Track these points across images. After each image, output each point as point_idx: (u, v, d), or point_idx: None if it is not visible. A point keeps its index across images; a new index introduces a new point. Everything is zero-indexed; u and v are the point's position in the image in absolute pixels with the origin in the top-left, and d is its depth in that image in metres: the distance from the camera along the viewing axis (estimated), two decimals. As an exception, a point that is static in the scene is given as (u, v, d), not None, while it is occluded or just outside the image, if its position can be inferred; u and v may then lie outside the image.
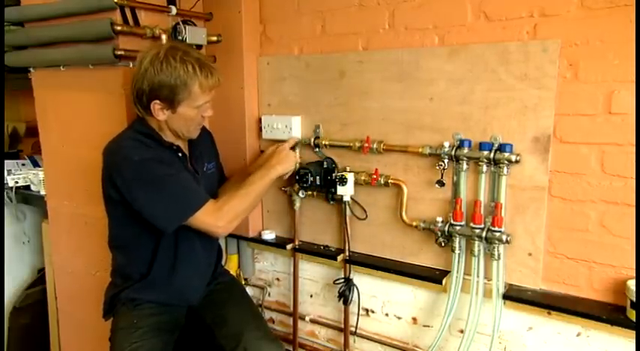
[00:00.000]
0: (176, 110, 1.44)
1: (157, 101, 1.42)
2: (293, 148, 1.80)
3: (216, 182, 1.75)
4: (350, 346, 1.90)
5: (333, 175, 1.73)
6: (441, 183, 1.56)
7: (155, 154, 1.45)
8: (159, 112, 1.43)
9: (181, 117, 1.46)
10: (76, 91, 1.88)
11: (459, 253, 1.56)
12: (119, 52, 1.63)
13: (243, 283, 2.14)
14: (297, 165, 1.73)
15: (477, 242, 1.51)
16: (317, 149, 1.82)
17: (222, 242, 2.08)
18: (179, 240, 1.53)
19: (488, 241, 1.49)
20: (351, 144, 1.72)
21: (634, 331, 1.32)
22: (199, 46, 1.85)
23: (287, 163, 1.66)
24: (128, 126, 1.57)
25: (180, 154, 1.53)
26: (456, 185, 1.55)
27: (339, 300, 1.83)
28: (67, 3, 1.72)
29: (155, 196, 1.41)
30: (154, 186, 1.41)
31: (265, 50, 1.94)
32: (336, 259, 1.81)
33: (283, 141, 1.88)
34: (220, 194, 1.73)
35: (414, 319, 1.77)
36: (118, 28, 1.62)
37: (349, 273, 1.82)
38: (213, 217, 1.44)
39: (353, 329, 1.88)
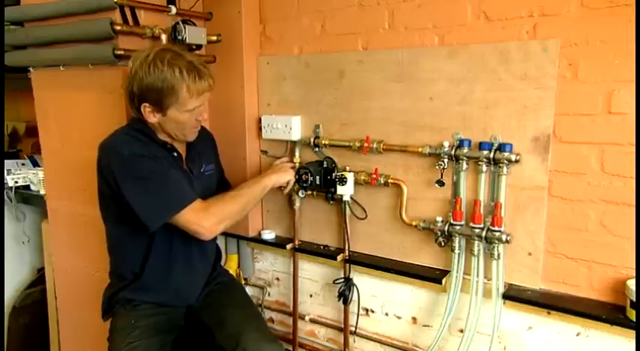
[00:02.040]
0: (166, 114, 1.43)
1: (147, 104, 1.41)
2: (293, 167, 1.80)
3: (215, 184, 1.73)
4: (350, 345, 1.90)
5: (333, 174, 1.73)
6: (440, 183, 1.56)
7: (147, 150, 1.44)
8: (149, 114, 1.43)
9: (172, 120, 1.45)
10: (75, 91, 1.88)
11: (458, 253, 1.56)
12: (119, 52, 1.63)
13: (243, 282, 2.14)
14: (293, 181, 1.73)
15: (476, 242, 1.51)
16: (317, 149, 1.82)
17: (221, 242, 2.09)
18: (174, 239, 1.53)
19: (488, 240, 1.49)
20: (351, 144, 1.72)
21: (634, 331, 1.32)
22: (199, 46, 1.85)
23: (282, 173, 1.68)
24: (126, 124, 1.57)
25: (175, 154, 1.52)
26: (455, 185, 1.55)
27: (339, 300, 1.83)
28: (66, 3, 1.72)
29: (141, 192, 1.40)
30: (141, 181, 1.40)
31: (265, 50, 1.94)
32: (335, 259, 1.81)
33: (283, 141, 1.89)
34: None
35: (414, 319, 1.77)
36: (118, 27, 1.62)
37: (349, 273, 1.82)
38: (198, 217, 1.41)
39: (353, 329, 1.88)
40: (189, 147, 1.59)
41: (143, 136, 1.47)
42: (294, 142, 1.87)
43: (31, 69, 2.00)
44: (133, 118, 1.53)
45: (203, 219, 1.42)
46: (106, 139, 1.48)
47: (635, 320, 1.31)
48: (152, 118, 1.43)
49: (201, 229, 1.43)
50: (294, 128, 1.84)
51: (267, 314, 2.15)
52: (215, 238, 1.68)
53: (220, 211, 1.46)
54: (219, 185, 1.78)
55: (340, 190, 1.71)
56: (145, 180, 1.40)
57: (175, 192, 1.42)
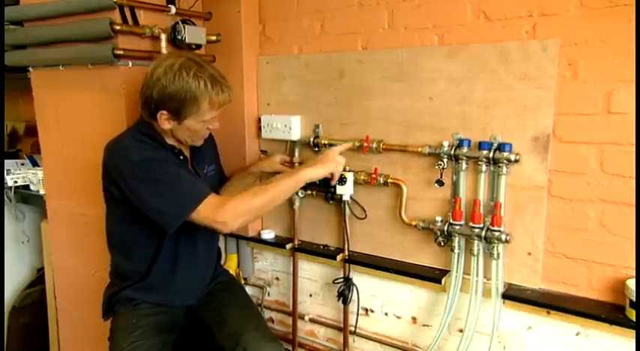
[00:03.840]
0: (182, 122, 1.43)
1: (164, 111, 1.41)
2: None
3: (217, 184, 1.74)
4: (349, 345, 1.90)
5: (333, 174, 1.73)
6: (440, 182, 1.56)
7: (155, 153, 1.44)
8: (164, 121, 1.43)
9: (186, 128, 1.46)
10: (75, 91, 1.87)
11: (458, 253, 1.56)
12: (118, 52, 1.63)
13: (243, 282, 2.14)
14: (340, 170, 1.55)
15: (476, 242, 1.51)
16: (316, 149, 1.82)
17: (221, 242, 2.08)
18: (180, 242, 1.53)
19: (488, 240, 1.49)
20: (351, 143, 1.72)
21: (633, 331, 1.32)
22: (198, 46, 1.85)
23: (322, 165, 1.50)
24: (132, 125, 1.56)
25: (181, 157, 1.53)
26: (455, 185, 1.55)
27: (339, 299, 1.83)
28: (66, 2, 1.72)
29: (156, 194, 1.39)
30: (154, 184, 1.39)
31: (265, 50, 1.94)
32: (335, 259, 1.81)
33: (282, 141, 1.89)
34: (221, 194, 1.73)
35: (414, 319, 1.77)
36: (118, 27, 1.61)
37: (348, 272, 1.82)
38: (215, 211, 1.37)
39: (352, 329, 1.88)
40: (193, 150, 1.60)
41: (151, 141, 1.47)
42: (293, 142, 1.87)
43: (30, 69, 2.00)
44: (140, 121, 1.52)
45: (220, 214, 1.37)
46: (113, 141, 1.47)
47: (634, 320, 1.31)
48: (166, 124, 1.43)
49: (218, 225, 1.39)
50: (294, 128, 1.84)
51: (267, 314, 2.15)
52: (218, 239, 1.71)
53: (239, 205, 1.40)
54: (221, 184, 1.79)
55: (340, 189, 1.71)
56: (158, 182, 1.39)
57: (188, 190, 1.40)
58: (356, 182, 1.71)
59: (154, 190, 1.39)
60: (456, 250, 1.56)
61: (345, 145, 1.64)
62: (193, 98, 1.38)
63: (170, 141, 1.51)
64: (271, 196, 1.43)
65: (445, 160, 1.52)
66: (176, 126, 1.45)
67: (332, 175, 1.55)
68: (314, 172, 1.49)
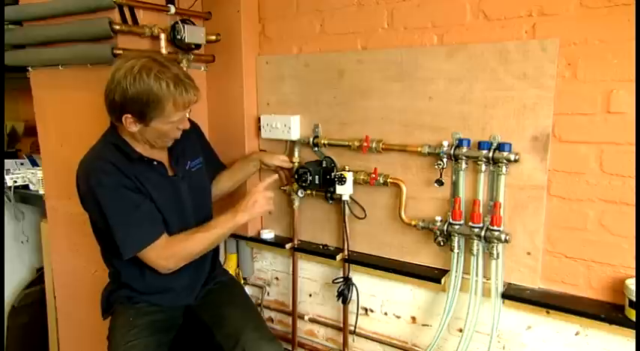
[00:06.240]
0: (148, 124, 1.40)
1: (129, 115, 1.37)
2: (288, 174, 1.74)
3: (206, 176, 1.71)
4: (349, 345, 1.90)
5: (332, 174, 1.74)
6: (439, 182, 1.56)
7: (117, 179, 1.41)
8: (130, 124, 1.39)
9: (154, 130, 1.42)
10: (74, 91, 1.87)
11: (457, 253, 1.56)
12: (118, 52, 1.63)
13: (242, 282, 2.14)
14: (271, 207, 1.61)
15: (475, 241, 1.51)
16: (316, 148, 1.82)
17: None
18: None
19: (487, 240, 1.49)
20: (350, 143, 1.72)
21: (632, 330, 1.32)
22: (198, 46, 1.85)
23: (257, 209, 1.56)
24: (102, 136, 1.52)
25: (154, 163, 1.50)
26: (454, 184, 1.55)
27: (338, 299, 1.83)
28: (65, 2, 1.72)
29: (110, 225, 1.41)
30: (105, 215, 1.41)
31: (264, 49, 1.94)
32: (335, 259, 1.81)
33: (282, 141, 1.89)
34: (217, 183, 1.77)
35: (413, 319, 1.77)
36: (117, 27, 1.61)
37: (348, 272, 1.82)
38: (158, 257, 1.44)
39: (352, 328, 1.88)
40: (171, 148, 1.56)
41: (119, 154, 1.44)
42: (293, 142, 1.87)
43: (29, 68, 2.00)
44: (109, 129, 1.50)
45: (162, 259, 1.46)
46: (84, 160, 1.47)
47: (634, 319, 1.31)
48: (133, 128, 1.40)
49: (160, 268, 1.48)
50: (294, 128, 1.84)
51: (267, 314, 2.15)
52: None
53: (183, 251, 1.48)
54: (218, 171, 1.81)
55: (339, 189, 1.71)
56: (111, 215, 1.41)
57: (138, 231, 1.43)
58: (355, 182, 1.71)
59: (105, 221, 1.42)
60: (456, 250, 1.56)
61: (270, 178, 1.65)
62: (157, 100, 1.34)
63: (139, 147, 1.47)
64: (211, 242, 1.53)
65: (445, 160, 1.52)
66: (143, 128, 1.41)
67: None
68: (249, 216, 1.56)
